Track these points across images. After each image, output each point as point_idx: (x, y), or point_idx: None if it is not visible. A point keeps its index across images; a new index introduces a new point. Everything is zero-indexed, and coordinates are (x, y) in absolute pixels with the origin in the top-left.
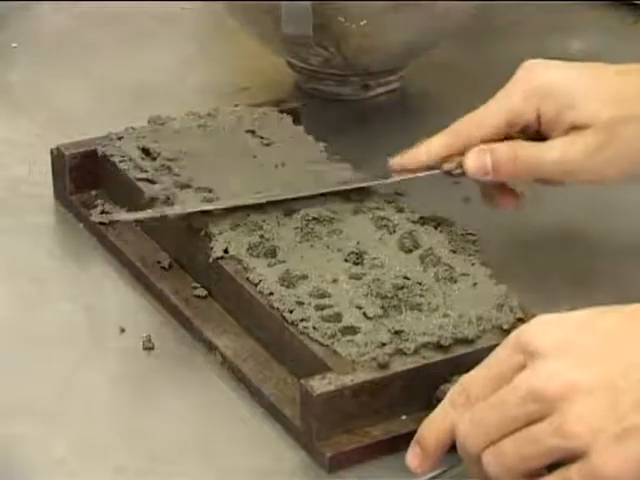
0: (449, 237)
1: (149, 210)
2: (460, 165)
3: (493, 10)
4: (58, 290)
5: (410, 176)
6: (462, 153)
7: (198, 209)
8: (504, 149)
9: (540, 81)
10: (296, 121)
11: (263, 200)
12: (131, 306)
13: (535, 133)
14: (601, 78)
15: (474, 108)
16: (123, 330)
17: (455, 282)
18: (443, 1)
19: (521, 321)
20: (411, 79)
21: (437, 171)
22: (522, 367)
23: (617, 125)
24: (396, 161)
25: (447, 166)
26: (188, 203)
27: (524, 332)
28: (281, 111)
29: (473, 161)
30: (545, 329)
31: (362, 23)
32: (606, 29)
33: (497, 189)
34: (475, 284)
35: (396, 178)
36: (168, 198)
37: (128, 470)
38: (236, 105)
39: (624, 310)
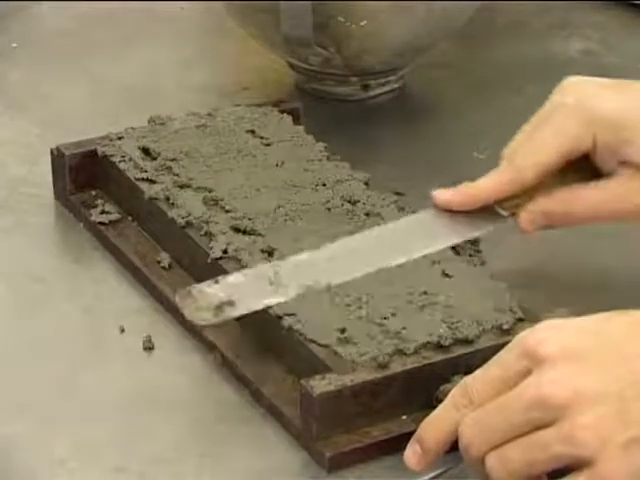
0: None
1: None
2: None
3: (493, 10)
4: (58, 290)
5: (460, 239)
6: (518, 192)
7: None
8: (556, 220)
9: (597, 107)
10: (296, 121)
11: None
12: (131, 306)
13: (584, 165)
14: None
15: (475, 107)
16: (123, 330)
17: (455, 282)
18: (443, 1)
19: (521, 321)
20: (411, 79)
21: (492, 225)
22: (528, 372)
23: None
24: (445, 194)
25: (501, 216)
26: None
27: (530, 337)
28: (281, 111)
29: (526, 220)
30: (552, 335)
31: (362, 23)
32: (606, 29)
33: None
34: (475, 284)
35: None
36: (168, 198)
37: (128, 470)
38: (236, 105)
39: (631, 315)
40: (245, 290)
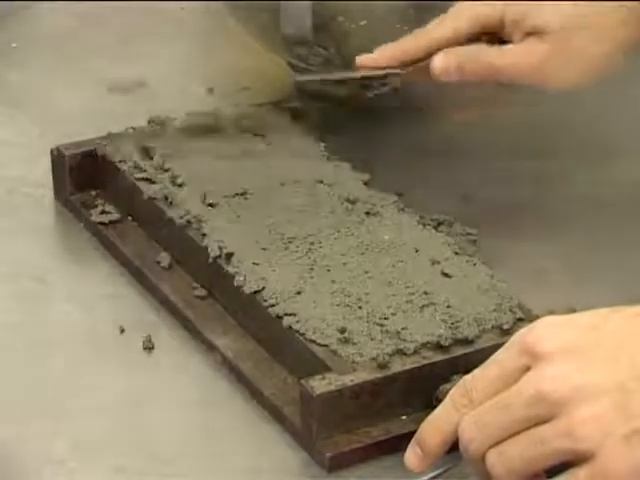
0: (449, 237)
1: None
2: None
3: None
4: (58, 290)
5: (376, 72)
6: (429, 55)
7: None
8: (468, 49)
9: None
10: (296, 121)
11: None
12: (131, 306)
13: (493, 39)
14: None
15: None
16: (123, 330)
17: (455, 282)
18: (443, 1)
19: (521, 321)
20: (411, 79)
21: (402, 71)
22: (527, 369)
23: (570, 33)
24: (362, 57)
25: (416, 66)
26: None
27: (529, 334)
28: (281, 111)
29: (439, 62)
30: (551, 332)
31: (362, 23)
32: None
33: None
34: (475, 284)
35: (359, 73)
36: (167, 198)
37: (128, 470)
38: (236, 105)
39: (629, 311)
40: None
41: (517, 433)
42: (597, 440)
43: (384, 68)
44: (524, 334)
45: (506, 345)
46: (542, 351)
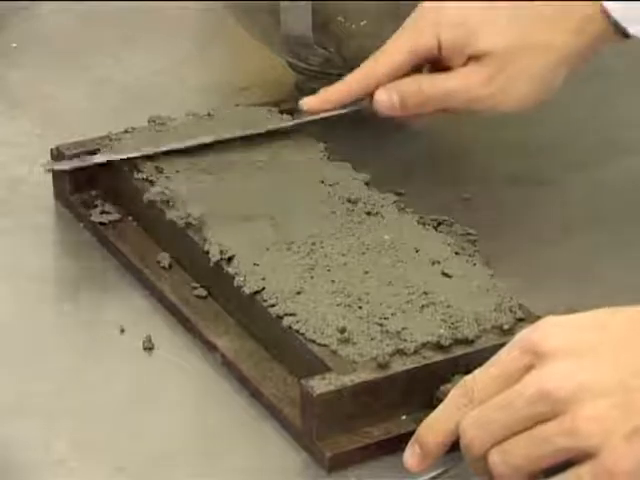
0: (449, 237)
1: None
2: (369, 103)
3: None
4: (58, 290)
5: (321, 115)
6: (372, 92)
7: (136, 154)
8: (408, 82)
9: (440, 13)
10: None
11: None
12: (131, 306)
13: (440, 67)
14: (499, 9)
15: None
16: (123, 330)
17: (455, 282)
18: (443, 1)
19: (521, 321)
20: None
21: (349, 108)
22: (530, 368)
23: (512, 53)
24: (308, 101)
25: (360, 104)
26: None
27: (532, 333)
28: (281, 111)
29: (382, 97)
30: (554, 330)
31: (362, 23)
32: None
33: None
34: (475, 284)
35: (304, 119)
36: (167, 201)
37: (128, 470)
38: (236, 105)
39: (632, 310)
40: None
41: (519, 432)
42: (600, 438)
43: (325, 111)
44: (527, 333)
45: (508, 345)
46: (545, 349)
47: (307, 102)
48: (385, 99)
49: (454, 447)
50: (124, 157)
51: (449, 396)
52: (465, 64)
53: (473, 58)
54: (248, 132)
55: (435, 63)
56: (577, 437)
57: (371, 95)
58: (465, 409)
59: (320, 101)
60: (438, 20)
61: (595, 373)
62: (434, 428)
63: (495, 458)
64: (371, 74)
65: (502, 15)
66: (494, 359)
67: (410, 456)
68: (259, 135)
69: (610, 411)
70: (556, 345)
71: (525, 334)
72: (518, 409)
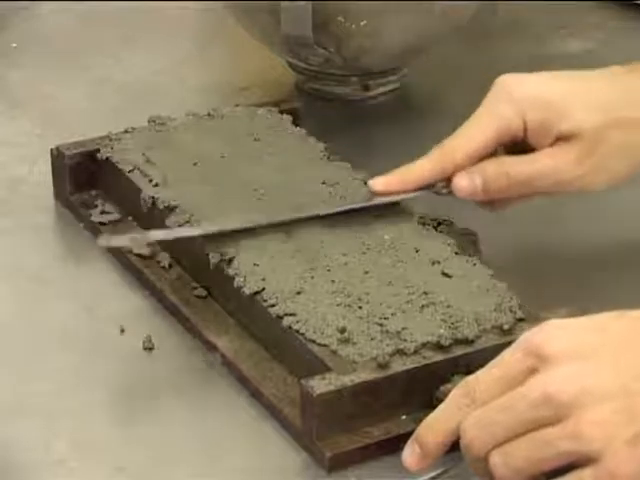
0: (449, 237)
1: (161, 231)
2: (448, 186)
3: (495, 8)
4: (58, 290)
5: (395, 198)
6: (451, 174)
7: (212, 231)
8: (493, 167)
9: (524, 91)
10: (296, 121)
11: (267, 221)
12: (131, 306)
13: (520, 147)
14: (585, 85)
15: (474, 107)
16: (123, 330)
17: (455, 282)
18: (443, 1)
19: (521, 321)
20: (411, 79)
21: (423, 192)
22: (533, 371)
23: (603, 132)
24: (380, 182)
25: (436, 188)
26: (201, 225)
27: (536, 336)
28: (281, 111)
29: (463, 183)
30: (558, 334)
31: (362, 23)
32: (605, 29)
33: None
34: (475, 284)
35: (379, 200)
36: (169, 207)
37: (128, 470)
38: (236, 105)
39: (635, 314)
40: None
41: (521, 434)
42: (603, 442)
43: (399, 193)
44: (531, 336)
45: (511, 347)
46: (549, 353)
47: (377, 183)
48: (466, 185)
49: (454, 447)
50: (198, 233)
51: (450, 396)
52: (552, 144)
53: (560, 139)
54: (303, 215)
55: (516, 142)
56: (579, 441)
57: (448, 178)
58: (466, 409)
59: (391, 183)
60: (521, 98)
61: (598, 377)
62: (434, 428)
63: (496, 460)
64: (449, 157)
65: (590, 91)
66: (496, 360)
67: (409, 455)
68: (258, 134)
69: (613, 416)
70: (559, 349)
71: (528, 336)
72: (521, 412)
